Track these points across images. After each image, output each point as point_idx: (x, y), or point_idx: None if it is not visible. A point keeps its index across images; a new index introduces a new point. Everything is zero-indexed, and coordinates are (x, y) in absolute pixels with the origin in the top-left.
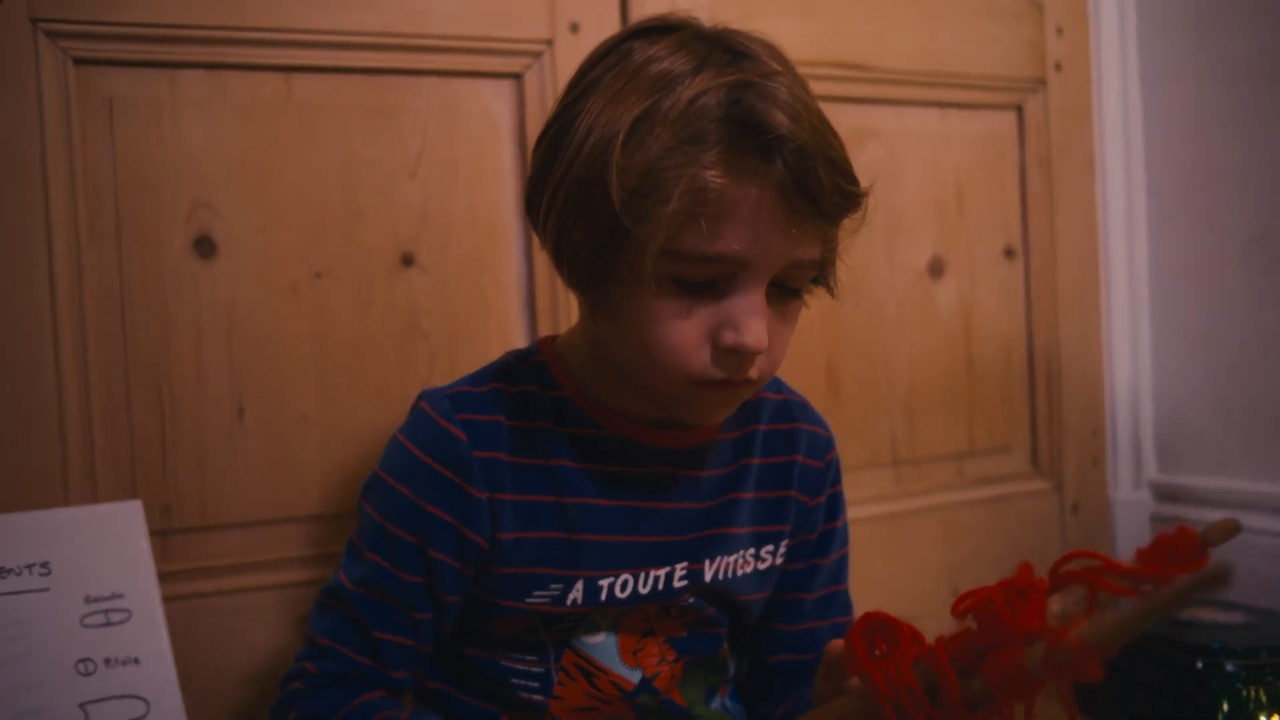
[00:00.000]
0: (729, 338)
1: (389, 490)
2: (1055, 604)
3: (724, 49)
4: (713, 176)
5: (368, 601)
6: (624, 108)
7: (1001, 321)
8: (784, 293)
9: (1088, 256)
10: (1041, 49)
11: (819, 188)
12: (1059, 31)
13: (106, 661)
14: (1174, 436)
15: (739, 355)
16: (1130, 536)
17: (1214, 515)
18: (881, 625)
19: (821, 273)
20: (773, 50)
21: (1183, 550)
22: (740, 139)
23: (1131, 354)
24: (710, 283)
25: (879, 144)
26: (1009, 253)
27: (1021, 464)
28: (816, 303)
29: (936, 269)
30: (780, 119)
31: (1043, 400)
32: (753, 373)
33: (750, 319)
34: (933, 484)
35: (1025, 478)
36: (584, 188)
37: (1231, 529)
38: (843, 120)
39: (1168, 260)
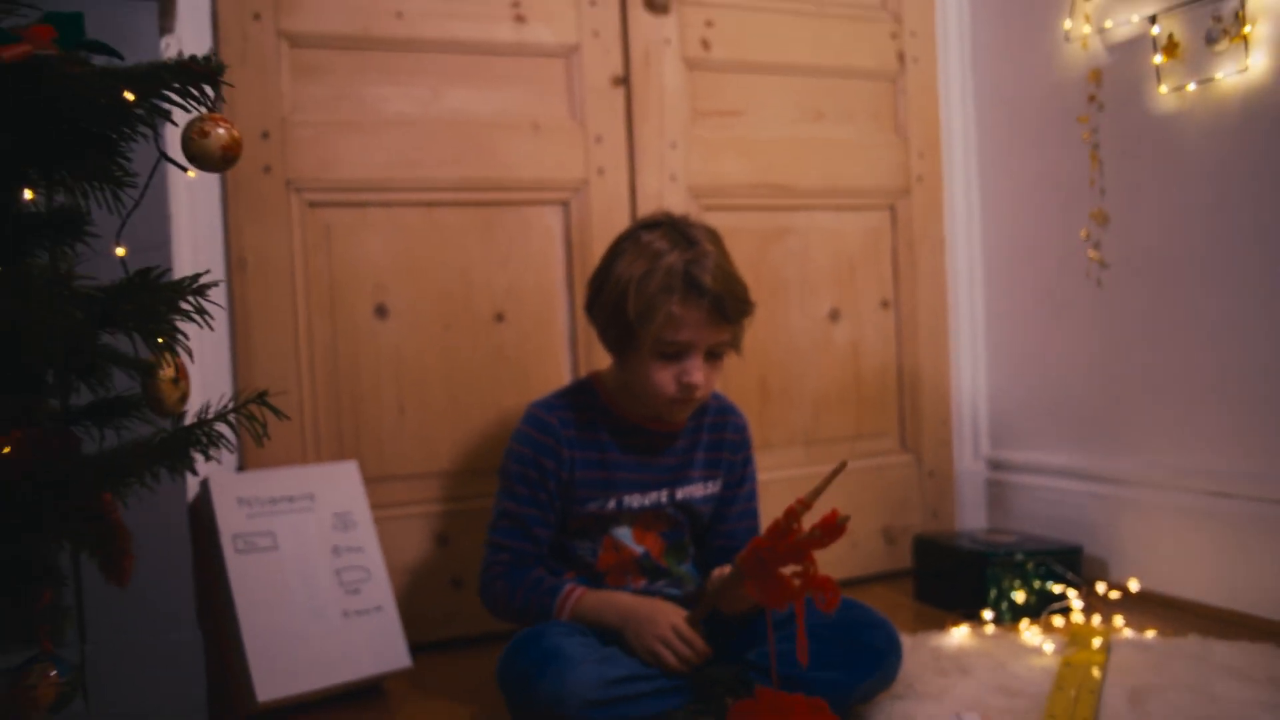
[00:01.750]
0: (685, 379)
1: (522, 454)
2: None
3: (685, 238)
4: (676, 309)
5: (525, 515)
6: (635, 268)
7: (880, 350)
8: (712, 356)
9: (939, 307)
10: (907, 168)
11: (727, 311)
12: (920, 155)
13: (347, 549)
14: (1000, 425)
15: (690, 387)
16: (970, 493)
17: (1027, 479)
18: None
19: (732, 344)
20: (710, 234)
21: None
22: (689, 290)
23: (971, 371)
24: (677, 354)
25: (795, 237)
26: (885, 304)
27: (893, 444)
28: (754, 337)
29: (835, 316)
30: (708, 279)
31: (908, 401)
32: (698, 395)
33: (695, 371)
34: (831, 456)
35: (895, 453)
36: (615, 309)
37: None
38: (771, 222)
39: (995, 310)
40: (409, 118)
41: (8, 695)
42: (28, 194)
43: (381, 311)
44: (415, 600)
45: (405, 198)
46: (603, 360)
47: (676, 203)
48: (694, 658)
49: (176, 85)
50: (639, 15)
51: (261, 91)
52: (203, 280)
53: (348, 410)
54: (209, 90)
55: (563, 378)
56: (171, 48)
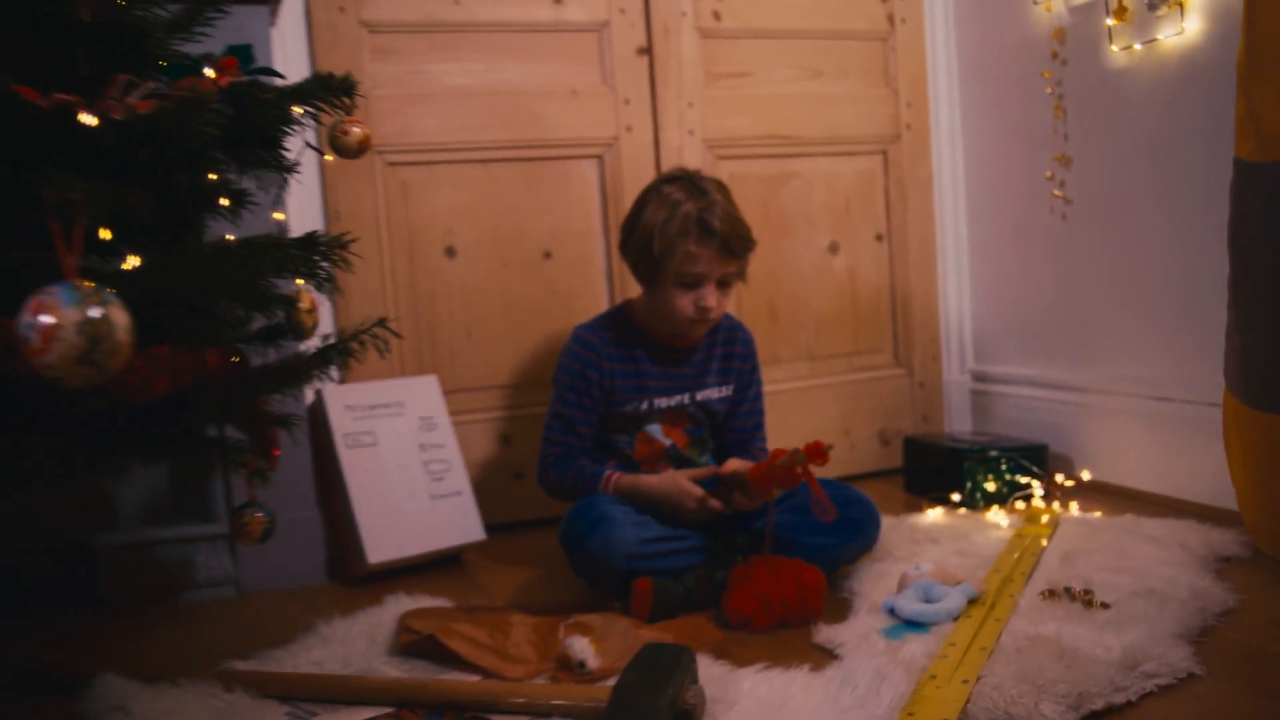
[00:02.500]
0: (701, 303)
1: (571, 367)
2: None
3: (698, 190)
4: (692, 248)
5: (571, 415)
6: (658, 215)
7: (874, 278)
8: (722, 284)
9: (927, 238)
10: (897, 117)
11: (732, 248)
12: (908, 105)
13: (432, 446)
14: (982, 341)
15: (705, 310)
16: (957, 401)
17: (1004, 388)
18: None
19: (739, 275)
20: (719, 185)
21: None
22: (702, 232)
23: (956, 295)
24: (694, 283)
25: (799, 180)
26: (879, 237)
27: (887, 359)
28: (763, 268)
29: (834, 249)
30: (717, 223)
31: (900, 321)
32: (711, 316)
33: (709, 296)
34: (832, 370)
35: (889, 367)
36: (643, 249)
37: (794, 457)
38: (777, 168)
39: (975, 241)
40: (467, 89)
41: (231, 529)
42: (212, 176)
43: (450, 252)
44: (484, 490)
45: (466, 156)
46: (634, 290)
47: (694, 154)
48: (712, 515)
49: (325, 97)
50: None
51: (350, 71)
52: (346, 239)
53: (425, 334)
54: (346, 100)
55: (601, 305)
56: (276, 40)
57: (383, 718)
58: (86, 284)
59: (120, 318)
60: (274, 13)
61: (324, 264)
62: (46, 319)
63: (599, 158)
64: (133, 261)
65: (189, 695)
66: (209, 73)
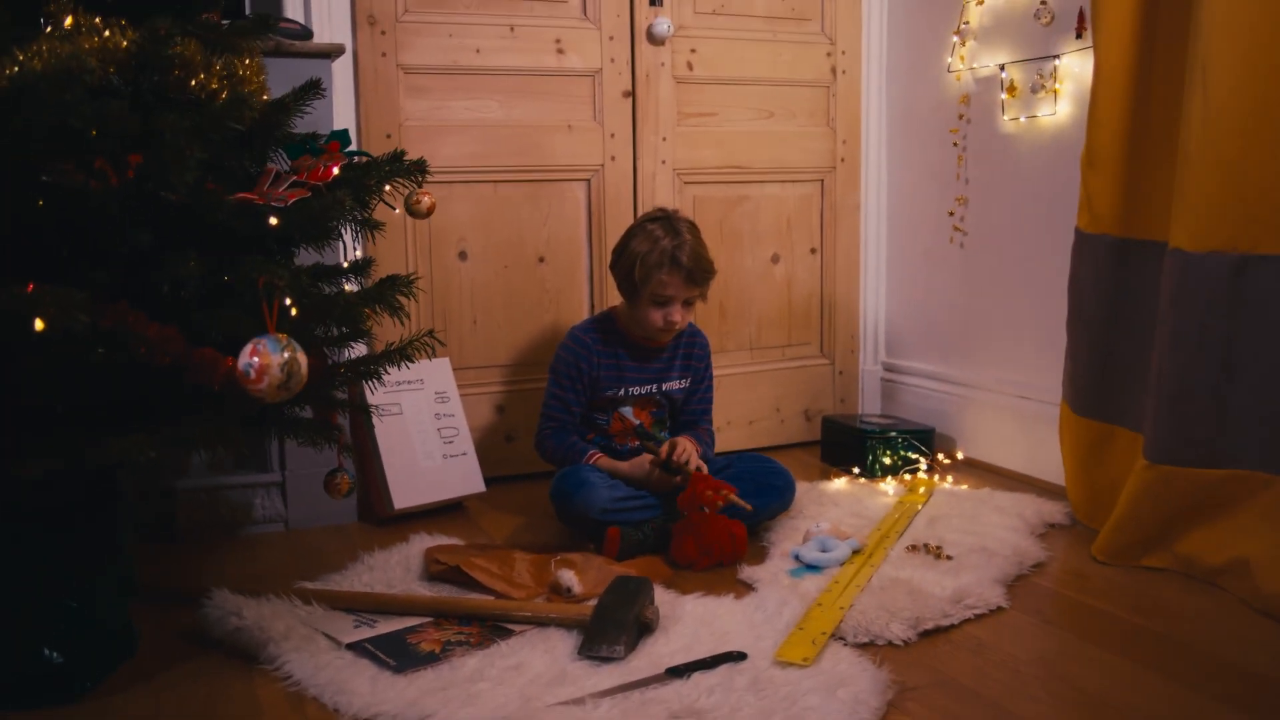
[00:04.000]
0: (668, 318)
1: (566, 359)
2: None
3: (674, 230)
4: (664, 276)
5: (566, 397)
6: (642, 247)
7: (807, 284)
8: (687, 303)
9: (853, 253)
10: (834, 151)
11: (696, 279)
12: (844, 142)
13: (444, 415)
14: (892, 339)
15: (671, 323)
16: (869, 388)
17: (907, 379)
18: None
19: (701, 296)
20: (691, 226)
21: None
22: (673, 265)
23: (874, 301)
24: (664, 302)
25: (750, 202)
26: (813, 250)
27: (814, 351)
28: (717, 275)
29: (776, 259)
30: (685, 259)
31: (826, 320)
32: (676, 328)
33: (675, 313)
34: (770, 359)
35: (816, 358)
36: (627, 272)
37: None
38: (733, 192)
39: (892, 258)
40: (483, 122)
41: (325, 486)
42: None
43: (463, 255)
44: (482, 449)
45: (480, 177)
46: (611, 289)
47: (665, 180)
48: (666, 488)
49: (406, 174)
50: (643, 47)
51: (388, 105)
52: (413, 277)
53: (440, 322)
54: (420, 177)
55: (584, 301)
56: (329, 87)
57: (426, 624)
58: (283, 336)
59: (302, 358)
60: (333, 60)
61: (400, 297)
62: (260, 360)
63: (587, 181)
64: (293, 311)
65: (281, 605)
66: (335, 170)
